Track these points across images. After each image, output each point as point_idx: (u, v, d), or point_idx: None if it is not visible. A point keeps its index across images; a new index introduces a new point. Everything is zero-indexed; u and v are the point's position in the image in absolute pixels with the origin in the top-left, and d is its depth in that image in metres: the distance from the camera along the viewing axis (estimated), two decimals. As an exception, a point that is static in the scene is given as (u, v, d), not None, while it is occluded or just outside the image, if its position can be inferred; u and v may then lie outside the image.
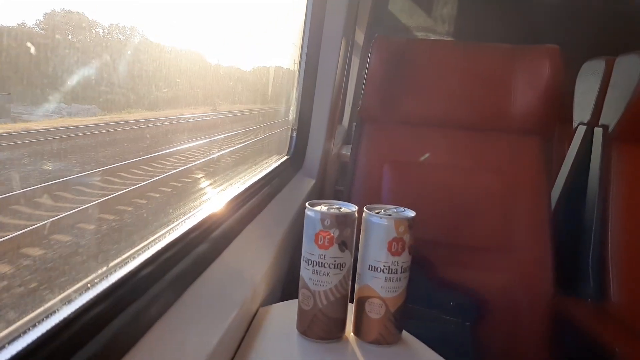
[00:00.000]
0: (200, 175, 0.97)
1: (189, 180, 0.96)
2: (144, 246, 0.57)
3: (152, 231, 0.59)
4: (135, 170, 0.83)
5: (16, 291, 0.50)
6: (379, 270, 0.62)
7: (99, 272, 0.51)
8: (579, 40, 1.66)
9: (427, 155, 1.25)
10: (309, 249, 0.62)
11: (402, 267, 0.62)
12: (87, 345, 0.42)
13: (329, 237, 0.61)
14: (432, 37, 2.58)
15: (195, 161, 0.95)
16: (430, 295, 1.00)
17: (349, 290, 0.64)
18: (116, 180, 0.77)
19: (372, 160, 1.27)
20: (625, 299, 1.15)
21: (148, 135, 0.68)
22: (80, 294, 0.46)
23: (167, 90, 0.65)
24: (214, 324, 0.56)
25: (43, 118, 0.43)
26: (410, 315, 0.66)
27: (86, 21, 0.45)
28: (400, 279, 0.62)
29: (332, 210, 0.62)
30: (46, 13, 0.40)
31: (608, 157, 1.26)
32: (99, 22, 0.49)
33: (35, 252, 0.52)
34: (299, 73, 1.41)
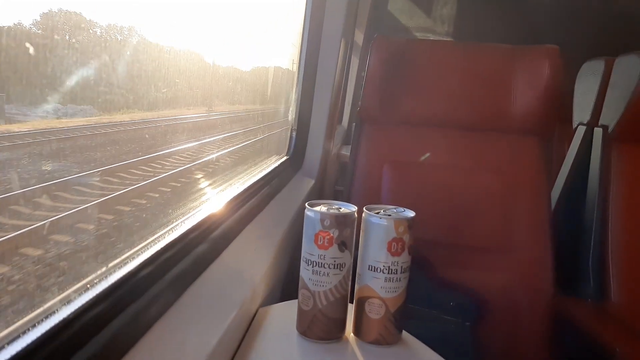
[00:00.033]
0: (198, 176, 0.97)
1: (186, 182, 0.96)
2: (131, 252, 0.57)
3: (140, 237, 0.59)
4: (134, 171, 0.83)
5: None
6: (378, 270, 0.62)
7: (99, 272, 0.51)
8: (579, 41, 1.66)
9: (427, 155, 1.25)
10: (308, 249, 0.62)
11: (402, 267, 0.62)
12: (87, 345, 0.42)
13: (328, 237, 0.61)
14: (432, 37, 2.58)
15: (192, 162, 0.95)
16: (430, 296, 1.00)
17: (348, 290, 0.64)
18: (115, 180, 0.77)
19: (372, 161, 1.27)
20: (626, 298, 1.15)
21: (147, 136, 0.68)
22: (80, 294, 0.46)
23: (167, 91, 0.65)
24: (214, 325, 0.56)
25: (37, 118, 0.43)
26: (410, 316, 0.66)
27: (78, 20, 0.45)
28: (400, 279, 0.62)
29: (331, 211, 0.62)
30: (43, 13, 0.40)
31: (608, 157, 1.26)
32: (96, 22, 0.49)
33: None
34: (298, 73, 1.41)
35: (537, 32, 2.13)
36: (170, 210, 0.78)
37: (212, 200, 0.89)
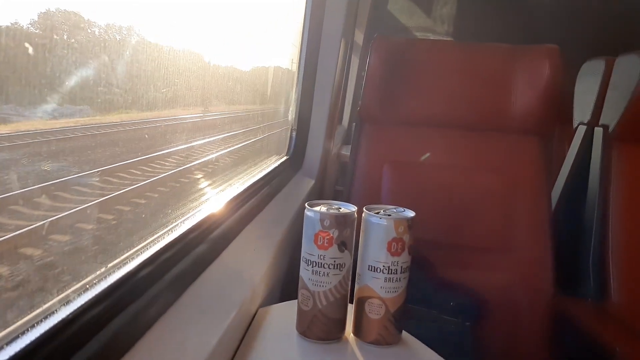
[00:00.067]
0: (198, 176, 0.97)
1: (182, 183, 0.96)
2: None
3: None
4: (133, 170, 0.83)
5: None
6: (378, 270, 0.62)
7: (98, 272, 0.51)
8: (579, 40, 1.66)
9: (427, 155, 1.25)
10: (308, 249, 0.62)
11: (401, 267, 0.62)
12: (87, 345, 0.42)
13: (328, 237, 0.61)
14: (432, 37, 2.58)
15: (191, 162, 0.95)
16: (430, 296, 1.00)
17: (348, 290, 0.64)
18: (114, 180, 0.77)
19: (372, 161, 1.27)
20: (626, 298, 1.15)
21: (146, 136, 0.68)
22: (80, 294, 0.46)
23: (166, 91, 0.65)
24: (214, 325, 0.55)
25: (33, 119, 0.43)
26: (410, 316, 0.65)
27: (77, 20, 0.45)
28: (400, 279, 0.62)
29: (331, 211, 0.62)
30: (41, 12, 0.40)
31: (608, 157, 1.26)
32: (93, 22, 0.49)
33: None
34: (298, 73, 1.41)
35: (537, 32, 2.12)
36: (170, 210, 0.77)
37: (212, 200, 0.89)
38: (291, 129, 1.45)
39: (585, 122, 1.38)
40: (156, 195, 0.85)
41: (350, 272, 0.64)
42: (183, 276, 0.61)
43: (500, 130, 1.27)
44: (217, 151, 1.04)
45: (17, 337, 0.38)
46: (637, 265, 1.17)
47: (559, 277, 1.18)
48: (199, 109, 0.84)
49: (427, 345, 0.66)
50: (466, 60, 1.31)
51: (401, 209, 0.65)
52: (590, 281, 1.20)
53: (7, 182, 0.45)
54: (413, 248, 0.63)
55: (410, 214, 0.64)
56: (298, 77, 1.41)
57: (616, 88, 1.28)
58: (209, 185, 0.96)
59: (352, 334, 0.66)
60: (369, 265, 0.63)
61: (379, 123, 1.31)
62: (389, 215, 0.62)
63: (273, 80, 1.40)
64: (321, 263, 0.61)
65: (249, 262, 0.77)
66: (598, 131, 1.31)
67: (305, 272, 0.63)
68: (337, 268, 0.61)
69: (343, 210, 0.63)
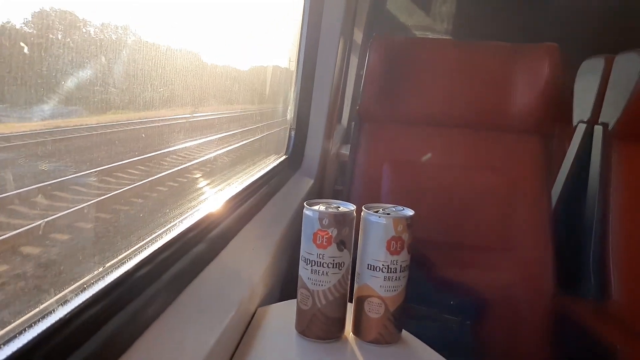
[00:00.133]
0: (196, 176, 0.97)
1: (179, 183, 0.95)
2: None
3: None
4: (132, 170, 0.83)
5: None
6: (377, 269, 0.62)
7: (96, 272, 0.51)
8: (578, 39, 1.66)
9: (428, 156, 1.25)
10: (307, 248, 0.62)
11: (401, 266, 0.62)
12: (85, 344, 0.42)
13: (327, 236, 0.60)
14: (431, 35, 2.58)
15: (190, 162, 0.94)
16: (430, 294, 1.00)
17: (347, 289, 0.64)
18: (111, 180, 0.77)
19: (371, 160, 1.27)
20: (626, 297, 1.14)
21: (144, 135, 0.68)
22: (77, 294, 0.46)
23: (163, 90, 0.65)
24: (212, 324, 0.55)
25: (22, 121, 0.43)
26: (409, 315, 0.65)
27: (73, 19, 0.45)
28: (399, 278, 0.62)
29: (330, 210, 0.62)
30: (35, 12, 0.40)
31: (608, 155, 1.25)
32: (90, 21, 0.49)
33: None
34: (297, 72, 1.41)
35: (537, 30, 2.12)
36: (168, 210, 0.77)
37: (210, 199, 0.89)
38: (290, 128, 1.44)
39: (585, 120, 1.38)
40: (154, 195, 0.85)
41: (350, 271, 0.64)
42: (181, 275, 0.61)
43: (499, 128, 1.27)
44: (215, 150, 1.04)
45: (14, 337, 0.38)
46: (637, 264, 1.16)
47: (560, 276, 1.17)
48: (199, 108, 0.84)
49: (427, 344, 0.66)
50: (465, 59, 1.30)
51: (400, 207, 0.65)
52: (590, 280, 1.20)
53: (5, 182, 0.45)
54: (412, 247, 0.63)
55: (409, 212, 0.64)
56: (297, 76, 1.41)
57: (616, 86, 1.28)
58: (208, 184, 0.96)
59: (351, 333, 0.66)
60: (368, 264, 0.62)
61: (378, 122, 1.31)
62: (388, 214, 0.62)
63: (271, 80, 1.39)
64: (320, 262, 0.61)
65: (248, 262, 0.77)
66: (598, 129, 1.31)
67: (304, 271, 0.63)
68: (336, 267, 0.61)
69: (342, 209, 0.63)
